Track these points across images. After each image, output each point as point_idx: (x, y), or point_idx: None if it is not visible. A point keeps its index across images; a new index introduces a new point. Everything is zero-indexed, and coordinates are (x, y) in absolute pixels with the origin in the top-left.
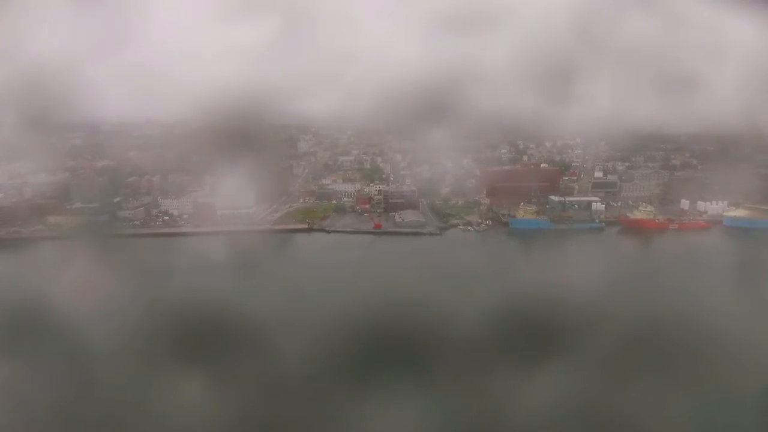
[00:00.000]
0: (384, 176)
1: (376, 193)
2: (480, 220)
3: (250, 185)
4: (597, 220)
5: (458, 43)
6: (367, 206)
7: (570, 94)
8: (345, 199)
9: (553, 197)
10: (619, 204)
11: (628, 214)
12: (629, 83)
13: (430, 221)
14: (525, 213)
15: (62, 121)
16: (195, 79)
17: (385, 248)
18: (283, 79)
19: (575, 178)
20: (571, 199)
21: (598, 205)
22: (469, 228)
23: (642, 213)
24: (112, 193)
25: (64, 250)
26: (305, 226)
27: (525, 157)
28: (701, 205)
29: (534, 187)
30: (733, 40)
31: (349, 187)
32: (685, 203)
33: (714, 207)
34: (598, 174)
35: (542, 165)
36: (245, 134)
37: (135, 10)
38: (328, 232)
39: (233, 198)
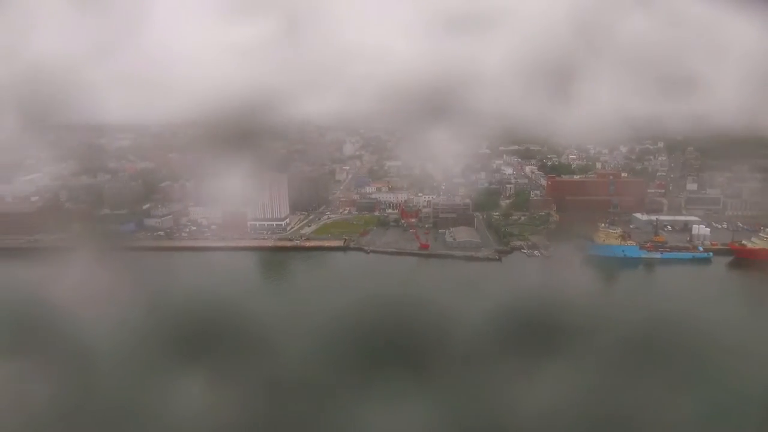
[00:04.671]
0: (435, 184)
1: (425, 204)
2: (549, 243)
3: (285, 192)
4: (701, 248)
5: (478, 43)
6: (413, 221)
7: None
8: (389, 210)
9: (638, 215)
10: (725, 226)
11: (743, 242)
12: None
13: (486, 242)
14: (607, 236)
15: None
16: (214, 78)
17: (431, 276)
18: (299, 79)
19: (663, 191)
20: (663, 218)
21: (701, 228)
22: (536, 252)
23: (765, 241)
24: (144, 198)
25: (78, 262)
26: (341, 243)
27: (598, 165)
28: None
29: (613, 202)
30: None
31: (395, 197)
32: None
33: None
34: (692, 186)
35: (622, 174)
36: (286, 138)
37: (136, 11)
38: (366, 251)
39: (266, 207)
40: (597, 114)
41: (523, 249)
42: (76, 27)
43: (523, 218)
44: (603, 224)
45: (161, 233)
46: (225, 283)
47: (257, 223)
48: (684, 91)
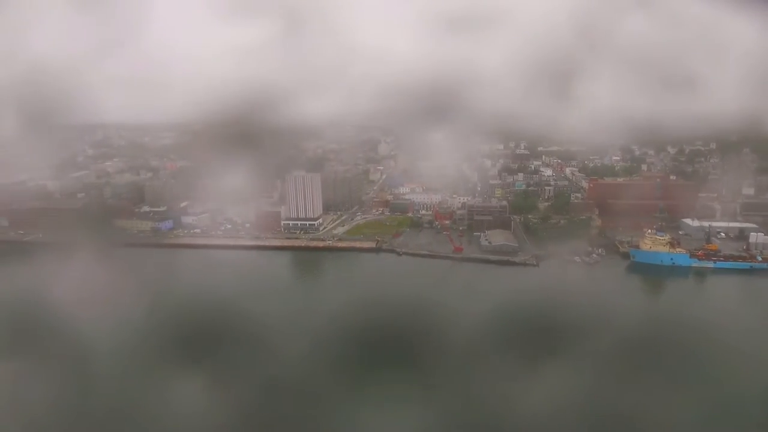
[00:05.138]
0: (470, 186)
1: (459, 206)
2: (590, 248)
3: (319, 192)
4: (759, 257)
5: (479, 44)
6: (446, 223)
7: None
8: (423, 212)
9: (688, 221)
10: None
11: None
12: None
13: (523, 246)
14: (654, 243)
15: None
16: (215, 78)
17: (464, 280)
18: (300, 79)
19: (715, 195)
20: (717, 224)
21: (759, 236)
22: (576, 258)
23: None
24: (182, 196)
25: (114, 259)
26: (374, 244)
27: (644, 167)
28: None
29: (661, 207)
30: None
31: (429, 198)
32: None
33: None
34: (748, 191)
35: (671, 177)
36: (320, 138)
37: (136, 11)
38: (398, 253)
39: (299, 206)
40: (598, 114)
41: (563, 254)
42: (76, 27)
43: (562, 222)
44: (649, 230)
45: (198, 230)
46: (254, 282)
47: (290, 222)
48: (685, 90)
